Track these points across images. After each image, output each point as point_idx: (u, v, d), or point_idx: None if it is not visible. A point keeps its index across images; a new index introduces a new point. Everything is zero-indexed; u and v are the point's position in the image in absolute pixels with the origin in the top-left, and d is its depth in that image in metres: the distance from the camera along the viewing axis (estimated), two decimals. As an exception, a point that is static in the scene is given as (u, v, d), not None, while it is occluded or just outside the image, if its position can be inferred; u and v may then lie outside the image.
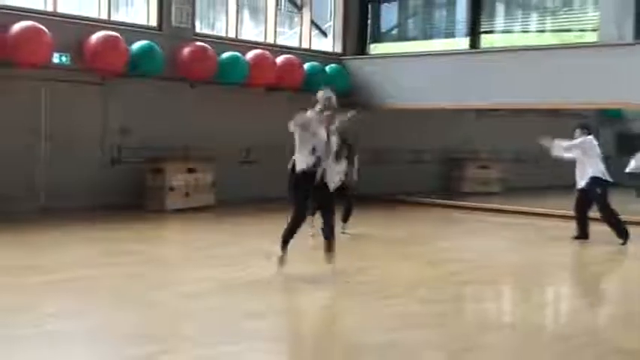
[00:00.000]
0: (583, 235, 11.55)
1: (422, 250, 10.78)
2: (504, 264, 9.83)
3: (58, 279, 7.74)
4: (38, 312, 6.43)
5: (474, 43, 16.68)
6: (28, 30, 12.45)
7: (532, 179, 21.49)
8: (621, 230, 11.30)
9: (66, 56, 13.36)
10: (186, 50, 14.69)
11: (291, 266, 7.92)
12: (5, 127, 12.83)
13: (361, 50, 18.39)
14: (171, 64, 14.55)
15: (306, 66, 16.66)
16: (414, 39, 18.64)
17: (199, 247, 10.42)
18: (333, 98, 7.95)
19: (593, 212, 11.55)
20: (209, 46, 14.94)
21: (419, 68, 16.65)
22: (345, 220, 11.39)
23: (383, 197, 16.99)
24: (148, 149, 14.34)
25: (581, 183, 11.41)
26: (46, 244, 10.10)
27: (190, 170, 14.37)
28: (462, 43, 17.09)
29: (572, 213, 11.78)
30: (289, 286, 7.65)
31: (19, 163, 13.03)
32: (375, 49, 18.58)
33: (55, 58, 13.16)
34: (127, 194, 14.03)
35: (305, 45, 17.90)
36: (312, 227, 10.01)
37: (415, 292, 7.64)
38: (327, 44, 18.48)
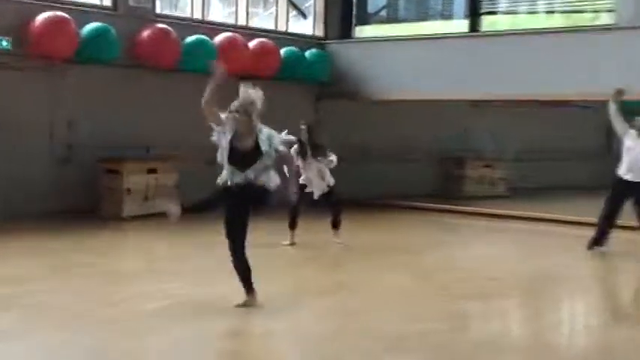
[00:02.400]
0: (599, 241, 11.49)
1: (412, 260, 10.73)
2: (509, 276, 9.79)
3: (-2, 296, 7.64)
4: (-26, 334, 6.34)
5: (474, 26, 16.67)
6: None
7: (539, 179, 21.55)
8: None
9: (7, 40, 13.22)
10: (146, 33, 14.60)
11: (259, 283, 7.81)
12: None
13: (345, 33, 18.31)
14: (128, 49, 14.43)
15: (282, 51, 16.59)
16: (406, 21, 18.63)
17: (158, 259, 10.36)
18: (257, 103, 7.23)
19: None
20: (171, 29, 14.85)
21: (411, 54, 16.60)
22: (336, 226, 11.42)
23: (366, 201, 16.95)
24: (102, 146, 14.21)
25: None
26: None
27: (150, 171, 14.27)
28: (461, 25, 17.08)
29: (585, 219, 11.75)
30: (258, 305, 7.57)
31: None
32: (361, 32, 18.51)
33: (-5, 43, 13.06)
34: (78, 198, 13.89)
35: (282, 27, 17.80)
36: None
37: (403, 309, 7.60)
38: (306, 26, 18.40)
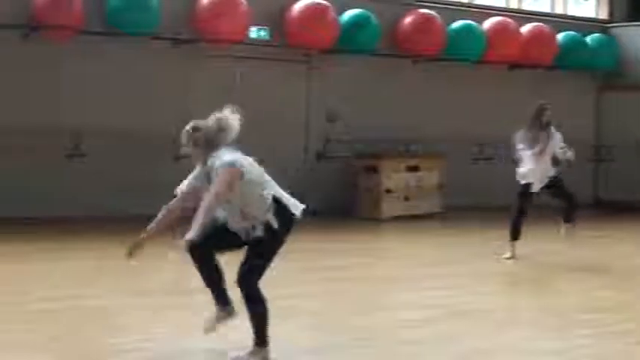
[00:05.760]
0: None
1: None
2: None
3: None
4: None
5: None
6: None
7: None
8: None
9: (265, 30, 13.74)
10: (408, 20, 14.68)
11: (524, 297, 7.58)
12: (195, 114, 13.34)
13: (635, 15, 17.68)
14: (389, 36, 14.58)
15: (560, 37, 16.25)
16: None
17: (419, 264, 10.34)
18: None
19: None
20: (436, 14, 14.84)
21: None
22: (570, 218, 10.51)
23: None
24: (359, 142, 14.42)
25: None
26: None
27: (411, 169, 14.31)
28: None
29: None
30: (522, 319, 7.35)
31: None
32: (654, 13, 17.78)
33: (252, 33, 13.57)
34: (333, 197, 14.17)
35: (559, 10, 17.49)
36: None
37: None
38: (588, 8, 18.02)
